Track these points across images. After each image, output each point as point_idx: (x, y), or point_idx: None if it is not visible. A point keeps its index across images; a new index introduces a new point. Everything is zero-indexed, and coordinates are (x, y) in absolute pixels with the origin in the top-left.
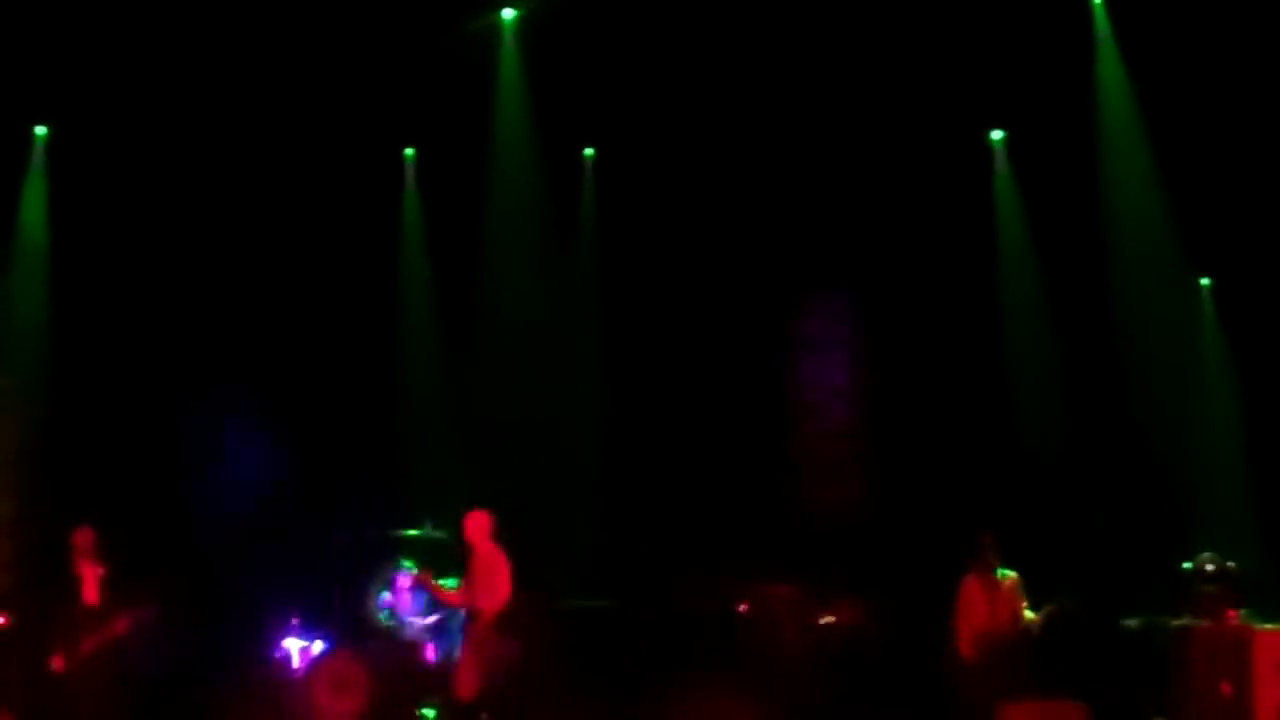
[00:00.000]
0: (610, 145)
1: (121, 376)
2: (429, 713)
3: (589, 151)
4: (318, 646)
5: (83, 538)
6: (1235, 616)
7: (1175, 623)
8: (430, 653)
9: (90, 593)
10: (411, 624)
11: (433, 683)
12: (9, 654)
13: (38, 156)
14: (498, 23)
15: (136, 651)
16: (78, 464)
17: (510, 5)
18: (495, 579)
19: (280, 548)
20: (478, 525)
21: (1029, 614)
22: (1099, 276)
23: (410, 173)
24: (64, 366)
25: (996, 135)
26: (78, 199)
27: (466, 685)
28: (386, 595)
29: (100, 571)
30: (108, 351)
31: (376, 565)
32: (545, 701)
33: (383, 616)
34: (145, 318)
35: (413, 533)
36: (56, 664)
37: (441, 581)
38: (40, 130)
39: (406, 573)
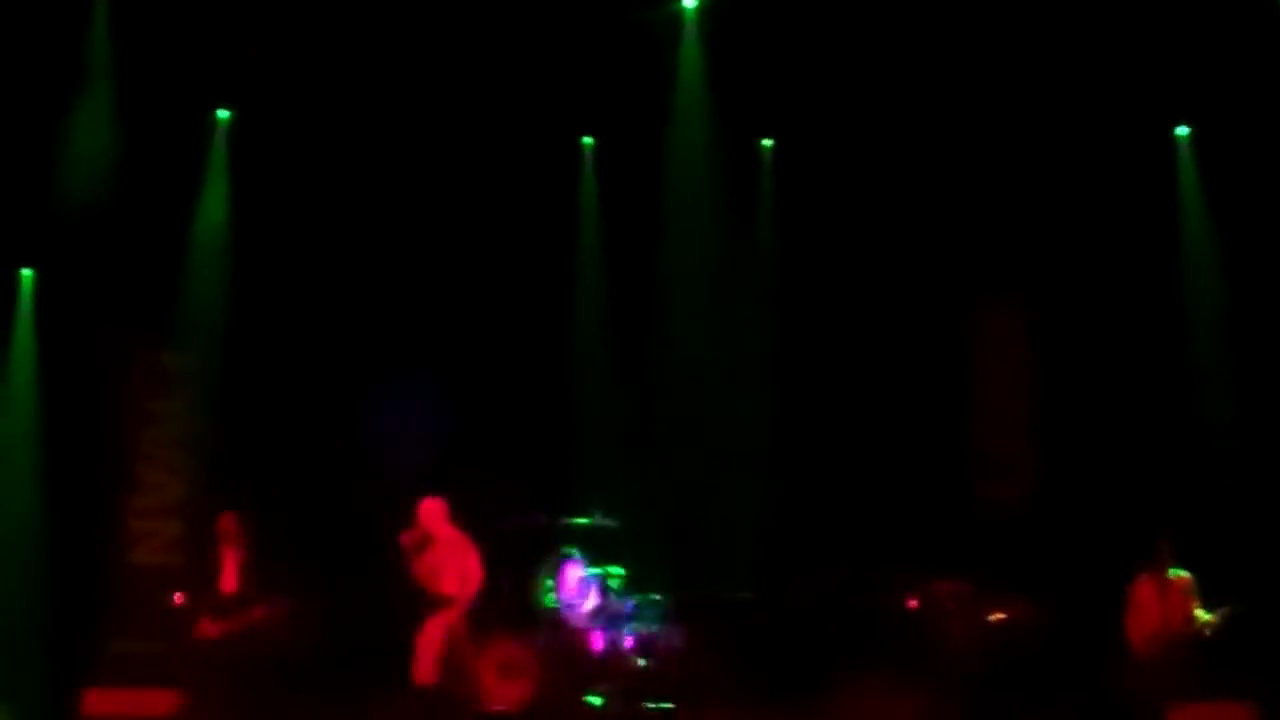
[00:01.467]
0: (789, 137)
1: (296, 361)
2: (595, 700)
3: (767, 142)
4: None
5: (226, 523)
6: None
7: None
8: (598, 640)
9: (229, 578)
10: (578, 611)
11: (600, 671)
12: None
13: (219, 140)
14: (679, 11)
15: (277, 638)
16: (249, 448)
17: None
18: (467, 565)
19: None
20: (434, 512)
21: (1202, 615)
22: None
23: (588, 161)
24: (239, 351)
25: (1182, 131)
26: (257, 182)
27: (425, 670)
28: (553, 583)
29: (243, 557)
30: (283, 337)
31: (545, 553)
32: (714, 694)
33: (549, 602)
34: (320, 303)
35: (582, 521)
36: (199, 641)
37: (608, 569)
38: (223, 114)
39: (575, 561)
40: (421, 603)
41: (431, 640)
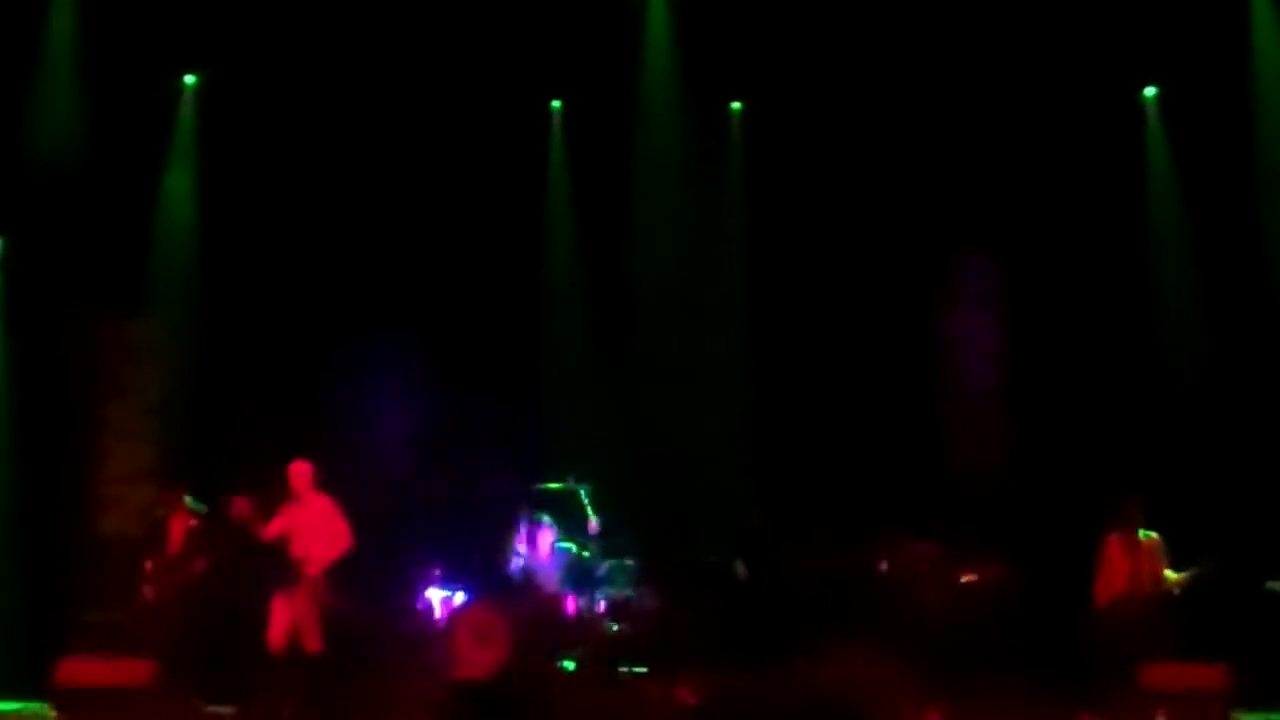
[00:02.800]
0: (757, 99)
1: (267, 328)
2: (569, 664)
3: (736, 105)
4: (459, 598)
5: (174, 493)
6: None
7: None
8: (570, 605)
9: (175, 542)
10: (549, 576)
11: (573, 635)
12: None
13: (187, 105)
14: None
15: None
16: (221, 413)
17: None
18: (335, 528)
19: (423, 499)
20: (302, 475)
21: (1171, 575)
22: (1253, 237)
23: (557, 124)
24: (211, 317)
25: (1149, 92)
26: (226, 147)
27: (314, 638)
28: (524, 548)
29: (191, 524)
30: (255, 303)
31: (517, 518)
32: (687, 658)
33: (520, 568)
34: (291, 270)
35: (555, 486)
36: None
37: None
38: (190, 79)
39: (546, 527)
40: (278, 567)
41: (292, 605)
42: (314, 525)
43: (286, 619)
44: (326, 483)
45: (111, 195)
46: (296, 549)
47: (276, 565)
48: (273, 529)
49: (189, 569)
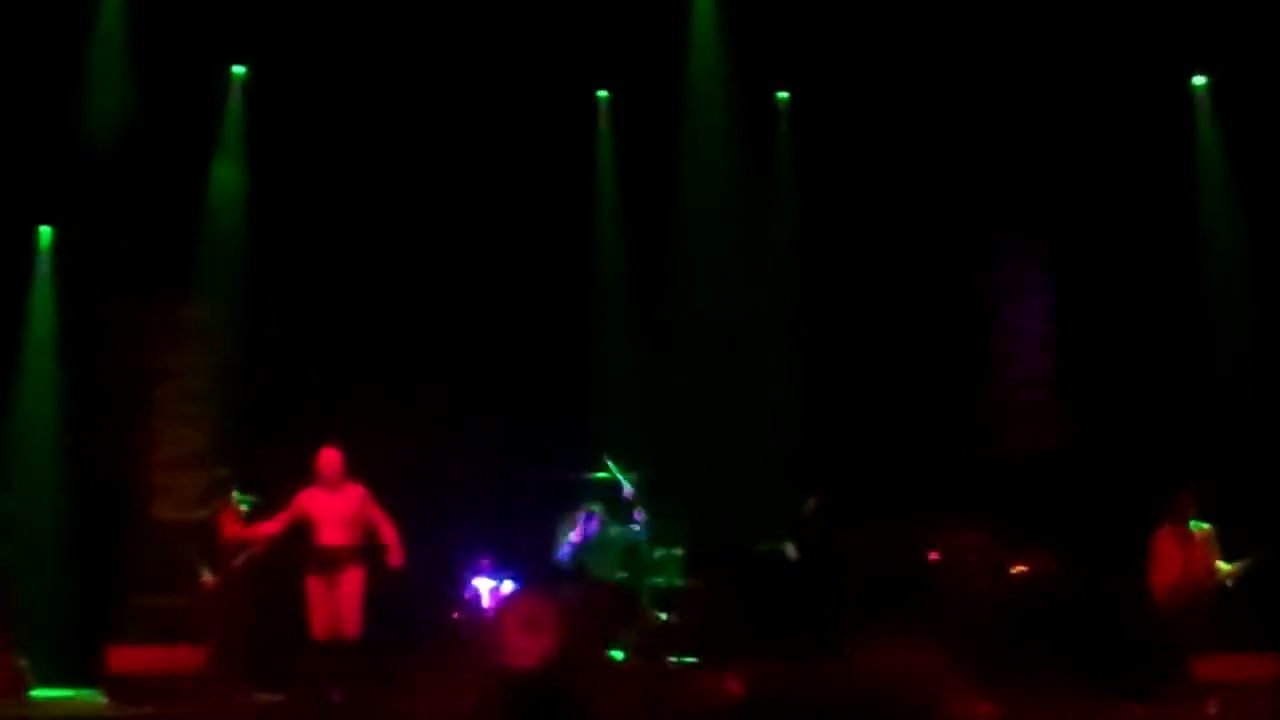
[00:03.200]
0: (804, 89)
1: (315, 315)
2: (618, 654)
3: (783, 95)
4: (508, 586)
5: (224, 480)
6: None
7: None
8: (620, 594)
9: (229, 529)
10: (600, 565)
11: (622, 624)
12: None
13: (235, 95)
14: None
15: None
16: (271, 400)
17: None
18: (371, 514)
19: (471, 488)
20: (331, 462)
21: (1223, 566)
22: None
23: (603, 115)
24: (259, 304)
25: (1199, 81)
26: (275, 137)
27: (353, 625)
28: (572, 536)
29: (240, 511)
30: (303, 290)
31: (565, 507)
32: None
33: (567, 556)
34: (338, 257)
35: (602, 475)
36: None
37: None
38: (238, 70)
39: (593, 514)
40: (308, 555)
41: (330, 593)
42: (349, 513)
43: (325, 606)
44: (372, 470)
45: (160, 183)
46: (326, 536)
47: (300, 551)
48: (283, 518)
49: (241, 557)
